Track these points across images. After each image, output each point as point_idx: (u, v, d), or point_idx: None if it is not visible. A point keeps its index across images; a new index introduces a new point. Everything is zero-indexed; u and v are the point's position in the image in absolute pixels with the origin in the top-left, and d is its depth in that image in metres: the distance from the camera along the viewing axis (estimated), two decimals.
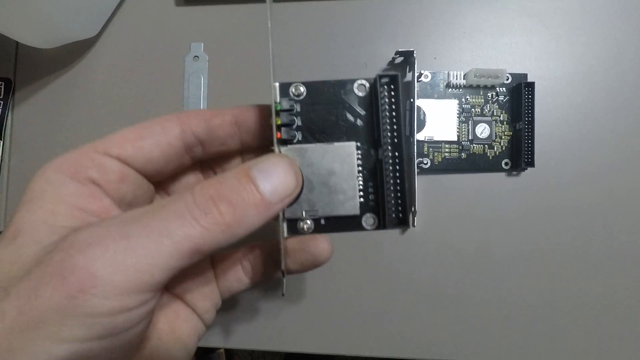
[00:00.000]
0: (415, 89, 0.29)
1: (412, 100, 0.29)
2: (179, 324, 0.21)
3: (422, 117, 0.31)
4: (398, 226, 0.19)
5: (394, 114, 0.19)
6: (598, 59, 0.31)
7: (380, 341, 0.30)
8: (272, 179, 0.17)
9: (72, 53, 0.33)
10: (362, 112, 0.20)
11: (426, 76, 0.31)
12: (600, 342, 0.30)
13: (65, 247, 0.15)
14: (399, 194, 0.19)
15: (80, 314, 0.14)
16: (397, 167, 0.19)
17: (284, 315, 0.31)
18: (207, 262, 0.23)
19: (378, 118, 0.19)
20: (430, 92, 0.31)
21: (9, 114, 0.33)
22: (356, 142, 0.20)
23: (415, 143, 0.29)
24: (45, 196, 0.17)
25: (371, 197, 0.20)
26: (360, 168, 0.20)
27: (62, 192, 0.17)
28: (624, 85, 0.31)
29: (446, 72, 0.31)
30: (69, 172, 0.18)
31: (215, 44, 0.33)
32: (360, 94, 0.20)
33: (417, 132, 0.30)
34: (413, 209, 0.29)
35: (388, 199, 0.19)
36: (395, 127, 0.19)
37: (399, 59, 0.31)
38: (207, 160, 0.22)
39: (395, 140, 0.19)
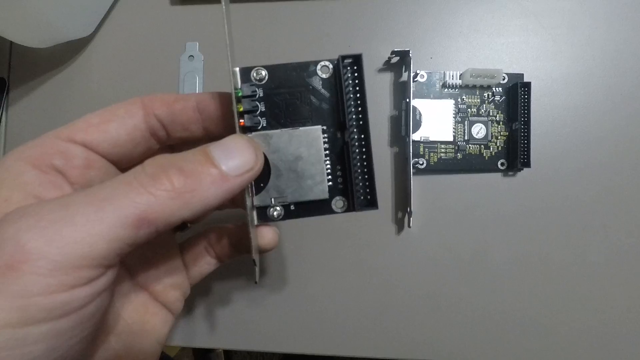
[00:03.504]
0: (411, 89, 0.29)
1: (407, 100, 0.29)
2: (148, 317, 0.21)
3: (417, 117, 0.31)
4: (367, 208, 0.19)
5: (358, 95, 0.19)
6: (595, 59, 0.32)
7: (376, 342, 0.31)
8: (230, 153, 0.17)
9: (66, 52, 0.33)
10: (327, 95, 0.20)
11: (422, 76, 0.31)
12: (598, 342, 0.30)
13: None
14: (366, 176, 0.19)
15: (11, 294, 0.13)
16: (364, 149, 0.19)
17: (282, 317, 0.31)
18: (177, 251, 0.23)
19: (343, 100, 0.19)
20: (426, 92, 0.31)
21: (4, 114, 0.33)
22: (322, 125, 0.20)
23: (411, 143, 0.29)
24: (2, 184, 0.17)
25: (340, 180, 0.20)
26: (327, 152, 0.20)
27: (19, 179, 0.17)
28: (621, 85, 0.31)
29: (442, 72, 0.31)
30: (31, 160, 0.17)
31: (210, 43, 0.33)
32: (323, 76, 0.19)
33: (413, 133, 0.30)
34: (409, 209, 0.29)
35: (356, 182, 0.19)
36: (360, 108, 0.19)
37: (395, 59, 0.31)
38: (175, 148, 0.22)
39: (361, 122, 0.19)
